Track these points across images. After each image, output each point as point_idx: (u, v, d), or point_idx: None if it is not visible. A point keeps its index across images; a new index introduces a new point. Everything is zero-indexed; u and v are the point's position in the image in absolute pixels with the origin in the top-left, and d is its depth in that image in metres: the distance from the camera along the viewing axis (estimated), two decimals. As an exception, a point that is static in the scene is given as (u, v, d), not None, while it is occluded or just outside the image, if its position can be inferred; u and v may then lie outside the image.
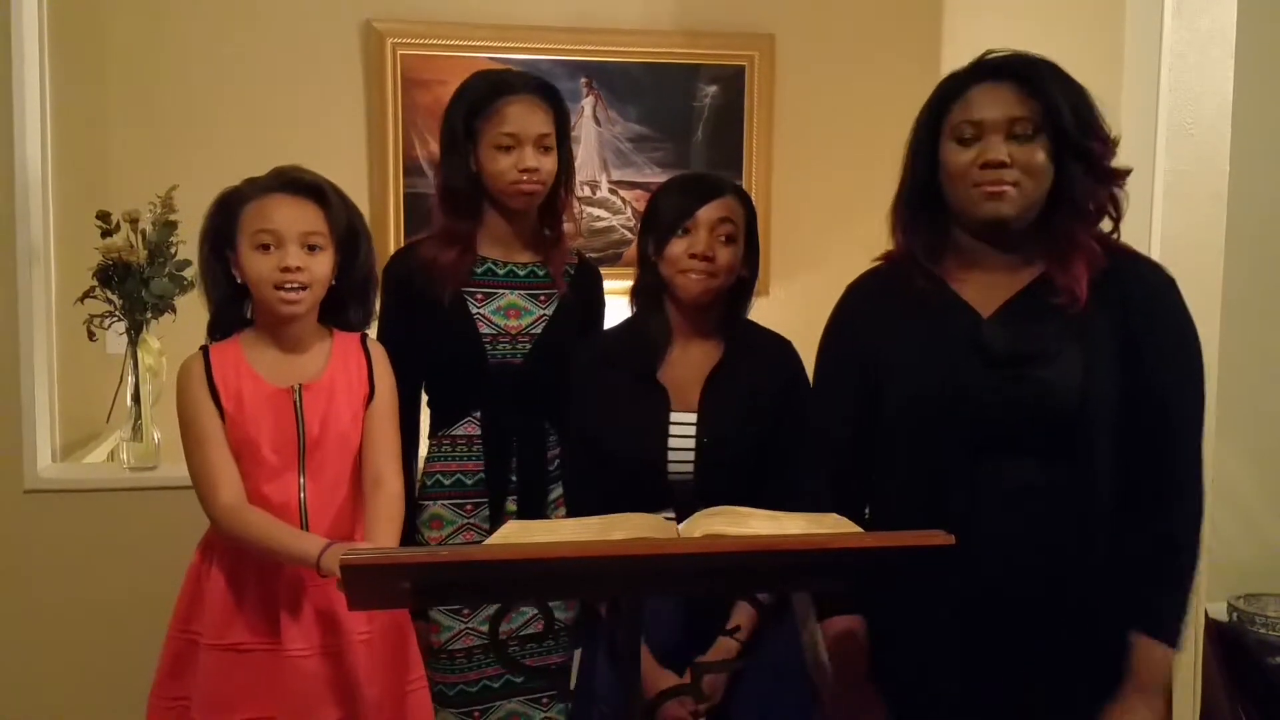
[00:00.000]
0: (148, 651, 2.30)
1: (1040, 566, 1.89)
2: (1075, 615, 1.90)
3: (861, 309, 2.10)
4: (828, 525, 1.64)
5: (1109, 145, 1.94)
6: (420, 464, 2.50)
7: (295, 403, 2.21)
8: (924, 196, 2.00)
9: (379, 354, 2.33)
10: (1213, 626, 2.99)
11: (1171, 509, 1.91)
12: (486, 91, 2.39)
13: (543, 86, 2.44)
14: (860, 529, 1.63)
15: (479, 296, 2.42)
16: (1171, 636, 1.89)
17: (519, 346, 2.42)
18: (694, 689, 2.05)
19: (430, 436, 2.50)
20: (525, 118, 2.36)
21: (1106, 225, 1.99)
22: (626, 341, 2.35)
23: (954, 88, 1.96)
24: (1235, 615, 3.00)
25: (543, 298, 2.45)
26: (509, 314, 2.43)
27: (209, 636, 2.21)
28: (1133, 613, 1.90)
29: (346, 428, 2.25)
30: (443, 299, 2.39)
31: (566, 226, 2.52)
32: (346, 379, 2.27)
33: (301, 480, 2.22)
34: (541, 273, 2.47)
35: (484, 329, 2.41)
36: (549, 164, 2.39)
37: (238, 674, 2.20)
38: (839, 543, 1.57)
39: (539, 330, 2.43)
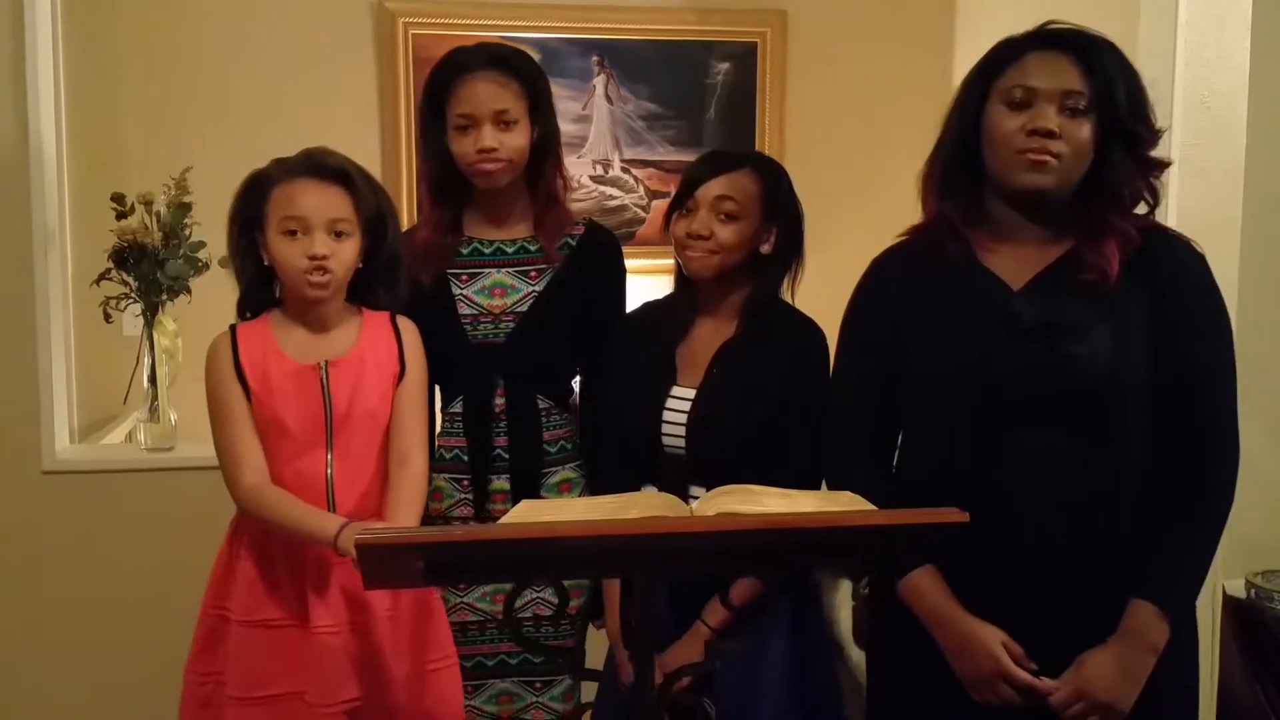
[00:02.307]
0: (165, 631, 2.32)
1: (1067, 541, 1.89)
2: (1101, 590, 1.89)
3: (889, 278, 2.09)
4: (842, 503, 1.64)
5: (1155, 135, 1.93)
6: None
7: (322, 379, 2.22)
8: (963, 160, 1.98)
9: (410, 332, 2.33)
10: (1230, 603, 2.98)
11: (1202, 482, 1.90)
12: (446, 73, 2.36)
13: (501, 59, 2.36)
14: (874, 507, 1.62)
15: (464, 277, 2.41)
16: (1171, 605, 1.87)
17: (502, 325, 2.39)
18: (709, 667, 2.08)
19: (440, 412, 2.50)
20: (479, 96, 2.31)
21: (1142, 210, 1.98)
22: (655, 314, 2.37)
23: (1010, 51, 1.94)
24: (1253, 592, 2.99)
25: (533, 274, 2.42)
26: (493, 293, 2.40)
27: (239, 614, 2.23)
28: (1140, 575, 1.88)
29: (375, 405, 2.26)
30: (426, 280, 2.39)
31: (558, 196, 2.45)
32: (376, 357, 2.28)
33: (329, 457, 2.23)
34: (533, 248, 2.43)
35: (464, 309, 2.39)
36: (512, 140, 2.33)
37: (268, 650, 2.22)
38: (853, 521, 1.57)
39: (524, 308, 2.40)
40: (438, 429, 2.49)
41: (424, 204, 2.47)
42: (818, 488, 2.19)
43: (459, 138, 2.34)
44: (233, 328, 2.28)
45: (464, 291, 2.40)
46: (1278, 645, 2.79)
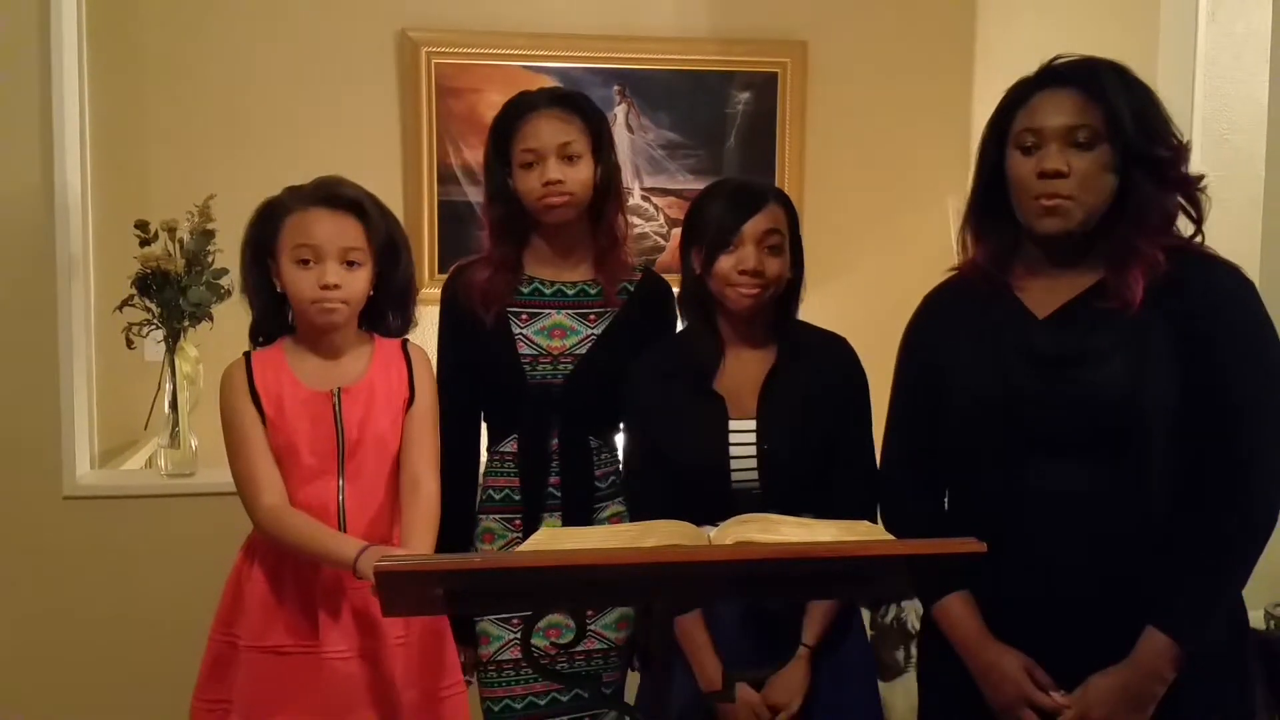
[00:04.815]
0: (186, 656, 2.33)
1: (1091, 569, 1.89)
2: (1125, 619, 1.88)
3: (932, 314, 2.12)
4: (860, 533, 1.64)
5: (1179, 151, 1.91)
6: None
7: (335, 406, 2.24)
8: (993, 204, 1.99)
9: (420, 358, 2.35)
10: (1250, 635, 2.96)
11: (1235, 517, 1.86)
12: (510, 114, 2.38)
13: (564, 98, 2.40)
14: (891, 536, 1.63)
15: (524, 317, 2.41)
16: (1186, 637, 1.84)
17: (561, 367, 2.39)
18: (726, 695, 2.09)
19: (488, 451, 2.50)
20: (543, 131, 2.33)
21: (1188, 228, 1.95)
22: (681, 353, 2.34)
23: (1019, 95, 1.95)
24: (1273, 624, 2.97)
25: (592, 317, 2.43)
26: (553, 334, 2.41)
27: (249, 639, 2.24)
28: (1159, 604, 1.86)
29: (385, 431, 2.27)
30: (486, 320, 2.39)
31: (619, 237, 2.46)
32: (386, 383, 2.29)
33: (340, 483, 2.24)
34: (593, 291, 2.44)
35: (524, 349, 2.39)
36: (577, 173, 2.35)
37: (277, 676, 2.23)
38: (870, 550, 1.57)
39: (583, 350, 2.40)
40: (482, 467, 2.49)
41: (486, 243, 2.47)
42: (875, 502, 2.21)
43: (525, 175, 2.35)
44: (247, 354, 2.29)
45: (524, 331, 2.41)
46: (1298, 678, 2.76)
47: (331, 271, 2.19)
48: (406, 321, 2.38)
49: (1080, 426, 1.89)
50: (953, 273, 2.12)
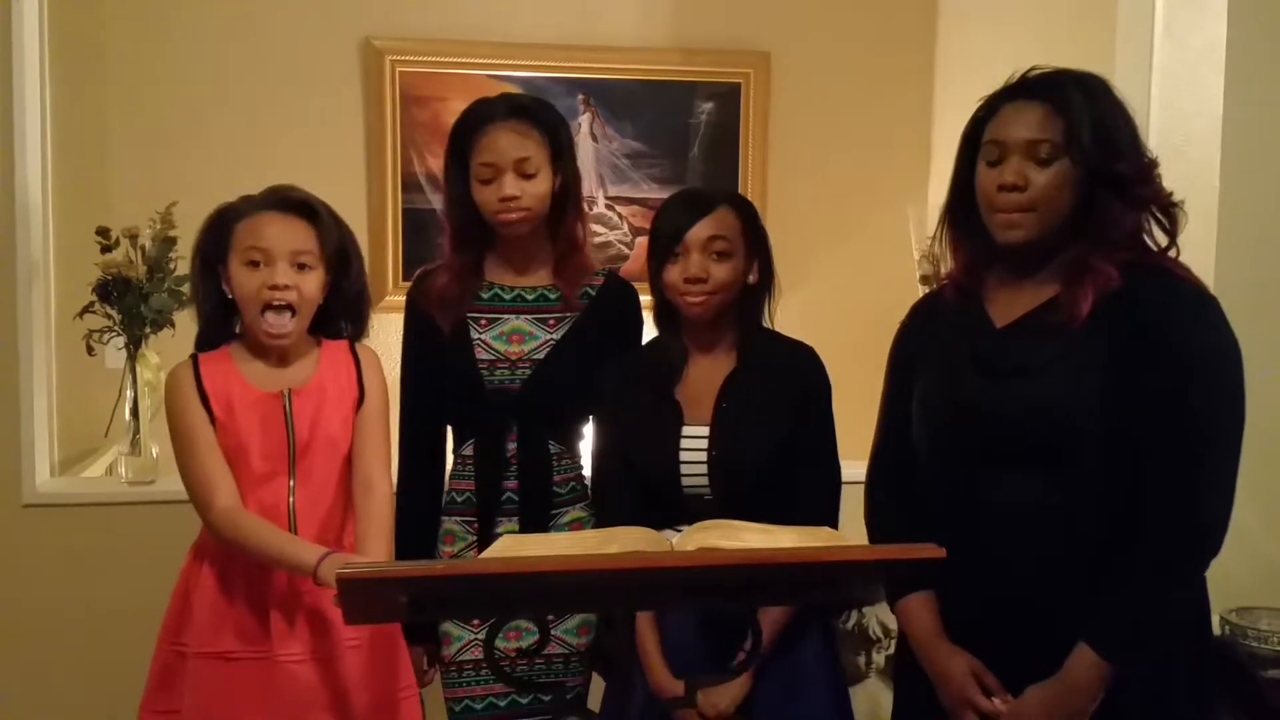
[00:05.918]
0: (146, 664, 2.31)
1: (1036, 579, 1.90)
2: (1068, 628, 1.87)
3: (913, 325, 2.15)
4: (821, 539, 1.66)
5: (1144, 169, 1.90)
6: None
7: (285, 408, 2.23)
8: (966, 213, 2.00)
9: (368, 358, 2.34)
10: (1206, 641, 2.99)
11: (1177, 534, 1.83)
12: (468, 124, 2.38)
13: (521, 109, 2.39)
14: (852, 542, 1.64)
15: (483, 322, 2.41)
16: (1114, 654, 1.82)
17: (518, 372, 2.39)
18: (689, 702, 2.09)
19: (452, 454, 2.50)
20: (500, 146, 2.32)
21: (1163, 241, 1.95)
22: (646, 360, 2.37)
23: (991, 106, 1.96)
24: (1227, 629, 3.00)
25: (552, 322, 2.43)
26: (511, 339, 2.41)
27: (197, 645, 2.22)
28: (1090, 619, 1.85)
29: (335, 432, 2.27)
30: (444, 326, 2.40)
31: (579, 243, 2.47)
32: (336, 384, 2.29)
33: (291, 484, 2.24)
34: (553, 296, 2.44)
35: (482, 354, 2.39)
36: (534, 188, 2.34)
37: (227, 683, 2.21)
38: (830, 556, 1.58)
39: (541, 355, 2.40)
40: (448, 471, 2.49)
41: (446, 250, 2.47)
42: (837, 510, 2.23)
43: (482, 188, 2.35)
44: (194, 356, 2.28)
45: (482, 336, 2.41)
46: (1253, 681, 2.79)
47: (281, 272, 2.18)
48: (360, 331, 2.37)
49: (1022, 438, 1.89)
50: (939, 284, 2.13)
